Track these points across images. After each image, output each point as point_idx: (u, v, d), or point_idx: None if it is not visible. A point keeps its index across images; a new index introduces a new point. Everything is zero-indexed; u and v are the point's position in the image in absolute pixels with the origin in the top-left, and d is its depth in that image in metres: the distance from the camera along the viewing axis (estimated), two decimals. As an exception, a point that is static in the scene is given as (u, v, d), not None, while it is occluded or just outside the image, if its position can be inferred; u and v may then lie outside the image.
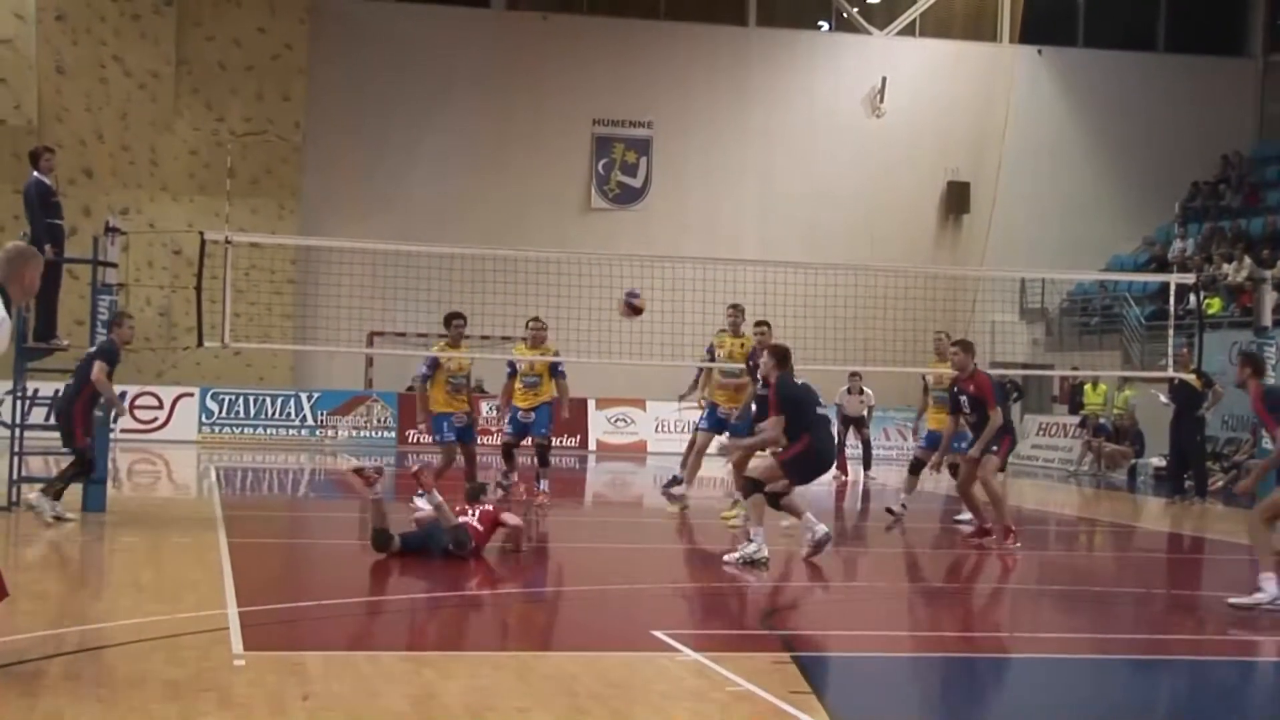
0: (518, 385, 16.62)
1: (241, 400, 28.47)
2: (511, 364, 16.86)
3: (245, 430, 28.39)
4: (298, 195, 30.77)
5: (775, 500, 12.59)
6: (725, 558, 12.42)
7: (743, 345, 15.90)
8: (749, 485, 12.57)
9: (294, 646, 8.40)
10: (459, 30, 32.17)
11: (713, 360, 16.23)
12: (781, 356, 12.68)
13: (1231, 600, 10.61)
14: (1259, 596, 10.50)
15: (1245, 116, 35.19)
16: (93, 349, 14.37)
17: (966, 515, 15.56)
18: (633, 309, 15.11)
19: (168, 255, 29.27)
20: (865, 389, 22.75)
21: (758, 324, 15.92)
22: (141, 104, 30.00)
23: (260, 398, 28.63)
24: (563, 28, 32.57)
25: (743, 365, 15.56)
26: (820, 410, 12.75)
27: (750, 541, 12.34)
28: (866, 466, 23.14)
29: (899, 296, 23.30)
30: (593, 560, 13.65)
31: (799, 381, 12.64)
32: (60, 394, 14.78)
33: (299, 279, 29.03)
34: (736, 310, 16.36)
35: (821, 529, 12.65)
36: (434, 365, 16.04)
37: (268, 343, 25.89)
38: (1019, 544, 13.99)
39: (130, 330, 14.79)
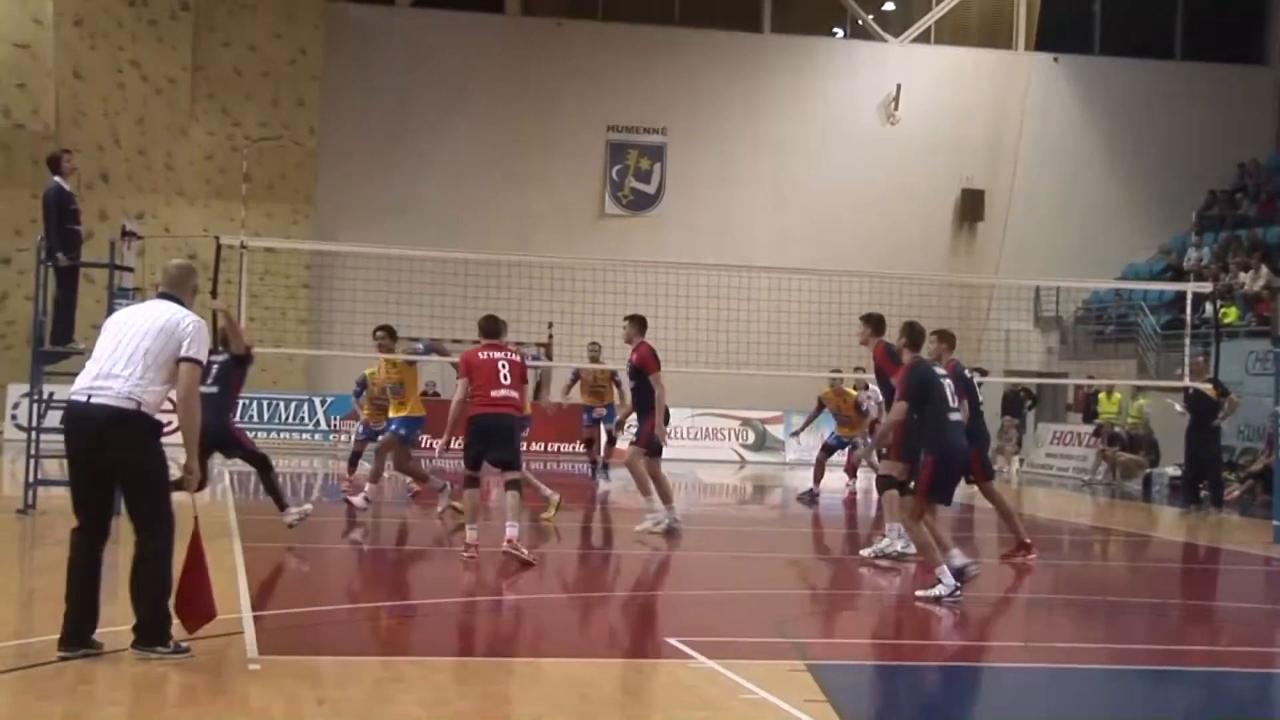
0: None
1: (255, 404, 28.49)
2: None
3: (259, 434, 28.30)
4: (312, 200, 30.82)
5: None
6: (862, 552, 13.43)
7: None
8: (882, 483, 13.11)
9: (308, 651, 8.40)
10: (473, 36, 32.21)
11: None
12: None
13: (918, 593, 11.01)
14: (939, 590, 10.88)
15: (1262, 125, 35.09)
16: (225, 356, 13.31)
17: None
18: None
19: (183, 260, 29.29)
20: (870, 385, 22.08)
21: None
22: (158, 109, 30.08)
23: (274, 402, 28.67)
24: (577, 34, 32.59)
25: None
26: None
27: (884, 537, 13.19)
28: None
29: (912, 304, 23.17)
30: (606, 566, 13.64)
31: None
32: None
33: (313, 283, 29.07)
34: (385, 332, 17.07)
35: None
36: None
37: (282, 347, 25.95)
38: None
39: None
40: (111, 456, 7.72)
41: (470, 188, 31.59)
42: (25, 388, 18.97)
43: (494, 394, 12.25)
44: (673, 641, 8.89)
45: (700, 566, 13.79)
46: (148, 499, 7.80)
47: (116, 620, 8.00)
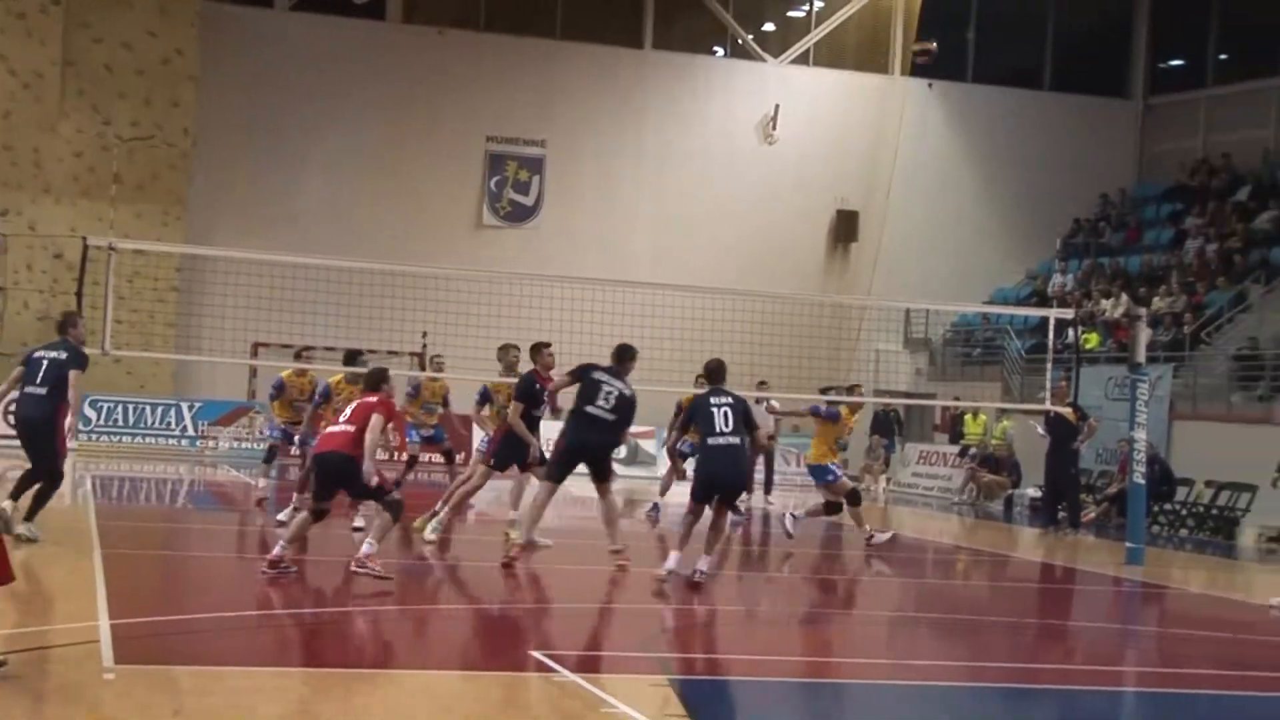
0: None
1: (121, 408, 27.98)
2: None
3: (124, 439, 27.90)
4: (184, 202, 30.32)
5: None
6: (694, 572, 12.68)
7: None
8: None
9: (166, 660, 8.29)
10: (354, 42, 31.97)
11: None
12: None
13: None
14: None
15: (1126, 156, 36.06)
16: (59, 354, 12.87)
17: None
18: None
19: (48, 259, 28.71)
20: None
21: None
22: (26, 104, 29.41)
23: (140, 406, 28.16)
24: (459, 43, 32.50)
25: None
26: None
27: None
28: (767, 490, 23.21)
29: (786, 323, 23.49)
30: (474, 579, 13.62)
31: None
32: (22, 403, 12.94)
33: (183, 287, 28.62)
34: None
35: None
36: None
37: (149, 351, 25.48)
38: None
39: (83, 330, 13.47)
40: None
41: (348, 195, 31.34)
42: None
43: (331, 429, 11.97)
44: (537, 654, 8.92)
45: (568, 580, 13.81)
46: None
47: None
